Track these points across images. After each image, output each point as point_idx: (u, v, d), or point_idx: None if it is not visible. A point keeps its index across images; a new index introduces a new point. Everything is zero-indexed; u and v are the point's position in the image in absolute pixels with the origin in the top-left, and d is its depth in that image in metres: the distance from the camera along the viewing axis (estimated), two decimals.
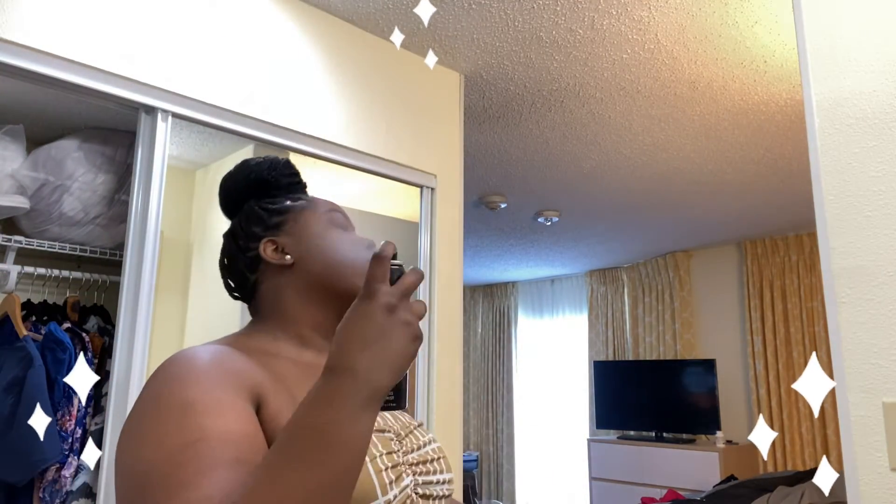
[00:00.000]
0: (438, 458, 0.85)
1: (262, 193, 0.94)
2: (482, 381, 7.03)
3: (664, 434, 5.03)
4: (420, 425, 0.90)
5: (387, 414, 0.84)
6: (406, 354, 0.59)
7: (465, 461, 6.15)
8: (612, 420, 5.35)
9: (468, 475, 6.01)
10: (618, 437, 5.23)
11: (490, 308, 7.17)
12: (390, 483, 0.72)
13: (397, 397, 0.65)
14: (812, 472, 3.95)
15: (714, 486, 4.06)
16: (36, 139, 2.01)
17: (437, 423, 2.12)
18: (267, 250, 0.87)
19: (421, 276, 0.63)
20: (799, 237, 4.81)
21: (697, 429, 4.83)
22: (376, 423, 0.78)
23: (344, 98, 2.07)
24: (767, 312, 4.85)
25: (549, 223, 4.46)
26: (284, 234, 0.89)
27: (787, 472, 4.18)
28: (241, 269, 0.89)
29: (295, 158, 1.98)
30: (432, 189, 2.28)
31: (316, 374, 0.81)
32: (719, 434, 4.61)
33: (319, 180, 2.10)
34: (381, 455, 0.74)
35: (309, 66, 1.99)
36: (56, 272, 1.97)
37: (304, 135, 1.94)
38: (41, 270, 1.94)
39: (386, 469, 0.73)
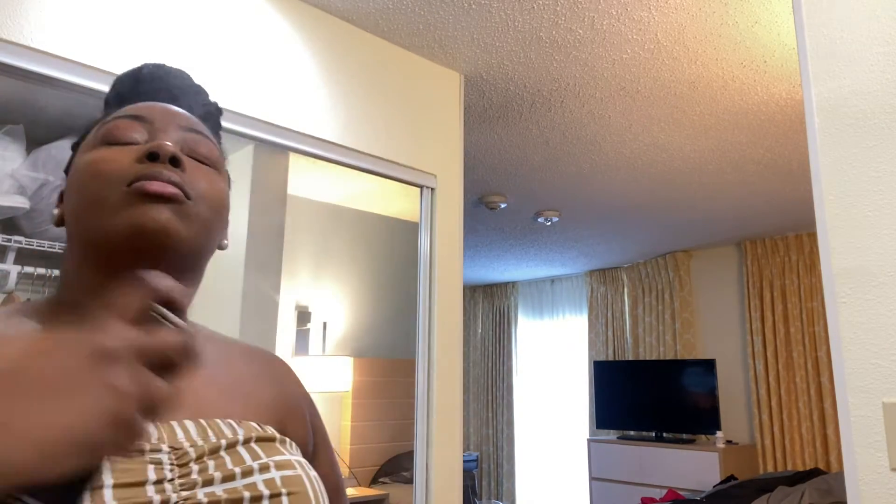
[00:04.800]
0: (278, 496, 0.52)
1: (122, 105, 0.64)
2: (482, 381, 7.03)
3: (664, 434, 5.03)
4: (264, 440, 0.56)
5: (188, 423, 0.53)
6: (88, 438, 0.35)
7: (465, 461, 6.15)
8: (612, 420, 5.35)
9: (468, 475, 6.01)
10: (618, 437, 5.23)
11: (490, 308, 7.17)
12: None
13: None
14: (812, 472, 3.95)
15: (714, 486, 4.06)
16: (36, 139, 2.01)
17: (437, 423, 2.12)
18: (58, 201, 0.63)
19: (183, 346, 0.41)
20: (799, 237, 4.81)
21: (697, 429, 4.83)
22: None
23: (344, 98, 2.07)
24: (767, 312, 4.85)
25: (549, 223, 4.46)
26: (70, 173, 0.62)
27: (787, 472, 4.18)
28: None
29: (295, 158, 1.98)
30: (432, 189, 2.28)
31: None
32: (719, 434, 4.61)
33: (319, 180, 2.10)
34: (109, 487, 0.45)
35: (309, 67, 1.99)
36: (56, 272, 1.97)
37: (303, 135, 1.94)
38: (41, 270, 1.94)
39: None
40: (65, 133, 2.05)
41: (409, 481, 2.05)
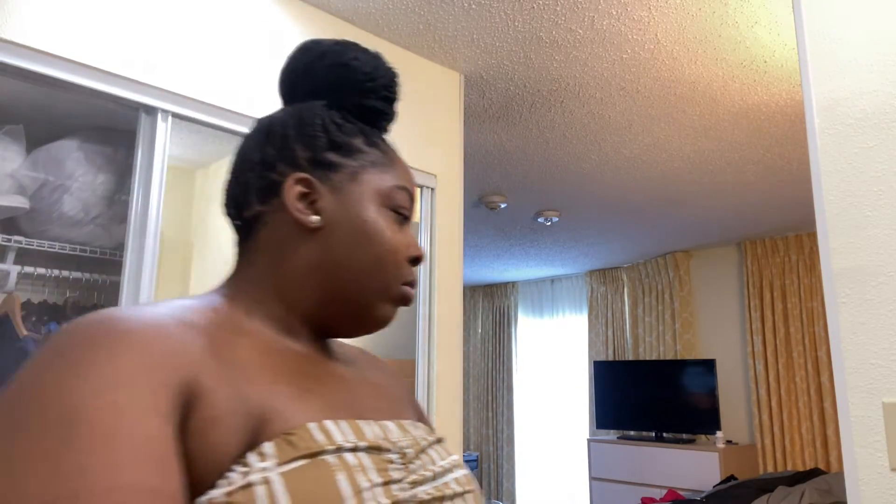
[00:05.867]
0: (463, 494, 0.57)
1: (339, 97, 0.65)
2: (482, 381, 7.03)
3: (664, 434, 5.03)
4: (440, 441, 0.62)
5: (389, 424, 0.57)
6: None
7: (465, 461, 6.14)
8: (612, 420, 5.35)
9: None
10: (618, 437, 5.23)
11: (490, 308, 7.17)
12: None
13: None
14: (812, 472, 3.95)
15: (714, 486, 4.06)
16: (36, 139, 2.01)
17: (437, 423, 2.12)
18: (292, 189, 0.60)
19: None
20: (799, 237, 4.81)
21: (697, 429, 4.83)
22: (370, 435, 0.53)
23: None
24: (767, 312, 4.85)
25: (549, 223, 4.46)
26: (332, 183, 0.61)
27: (787, 472, 4.18)
28: (249, 183, 0.62)
29: None
30: (432, 189, 2.28)
31: (291, 361, 0.57)
32: (719, 434, 4.61)
33: None
34: (372, 487, 0.48)
35: None
36: (56, 272, 1.97)
37: None
38: (41, 270, 1.94)
39: None
40: (65, 133, 2.05)
41: None
